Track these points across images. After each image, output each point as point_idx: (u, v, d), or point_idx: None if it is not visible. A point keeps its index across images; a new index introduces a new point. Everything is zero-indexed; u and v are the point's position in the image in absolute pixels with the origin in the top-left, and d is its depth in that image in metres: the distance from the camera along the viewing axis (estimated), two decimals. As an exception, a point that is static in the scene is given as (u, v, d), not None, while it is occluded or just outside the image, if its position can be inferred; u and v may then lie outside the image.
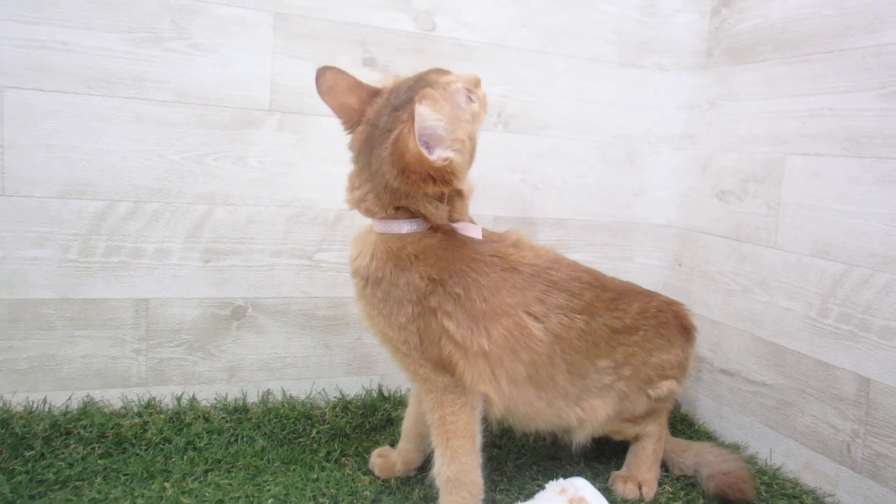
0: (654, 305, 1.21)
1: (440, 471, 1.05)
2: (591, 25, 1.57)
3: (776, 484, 1.29)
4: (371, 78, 1.42)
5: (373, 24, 1.39)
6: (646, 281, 1.47)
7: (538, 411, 1.10)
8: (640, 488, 1.22)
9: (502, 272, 1.04)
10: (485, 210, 1.54)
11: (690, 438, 1.44)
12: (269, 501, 1.11)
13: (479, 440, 1.06)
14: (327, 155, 1.40)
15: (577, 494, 1.03)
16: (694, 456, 1.29)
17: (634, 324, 1.17)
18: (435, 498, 1.10)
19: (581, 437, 1.18)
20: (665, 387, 1.21)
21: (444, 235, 1.04)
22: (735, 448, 1.41)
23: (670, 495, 1.24)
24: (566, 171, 1.61)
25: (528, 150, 1.57)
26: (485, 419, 1.09)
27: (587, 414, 1.14)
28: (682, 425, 1.54)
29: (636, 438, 1.27)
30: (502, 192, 1.56)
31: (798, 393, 1.33)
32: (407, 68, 1.43)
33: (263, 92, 1.34)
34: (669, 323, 1.22)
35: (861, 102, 1.21)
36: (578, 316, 1.09)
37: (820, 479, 1.28)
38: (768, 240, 1.40)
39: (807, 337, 1.31)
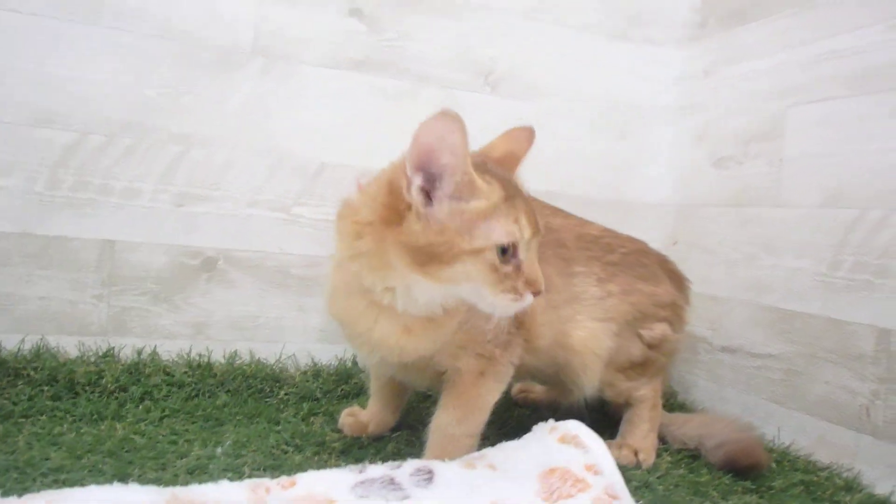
0: (626, 237, 1.25)
1: (447, 430, 1.03)
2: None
3: (787, 462, 1.23)
4: (357, 29, 1.46)
5: (363, -27, 1.43)
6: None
7: (552, 324, 1.11)
8: (636, 455, 1.18)
9: None
10: (474, 175, 1.56)
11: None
12: (227, 443, 1.07)
13: None
14: (310, 105, 1.42)
15: (570, 433, 0.99)
16: (697, 427, 1.26)
17: (603, 236, 1.21)
18: (406, 453, 1.08)
19: (588, 376, 1.15)
20: (658, 329, 1.20)
21: None
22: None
23: (670, 464, 1.19)
24: (556, 143, 1.62)
25: (518, 116, 1.58)
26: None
27: (589, 336, 1.13)
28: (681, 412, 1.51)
29: (628, 404, 1.24)
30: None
31: (809, 359, 1.30)
32: (392, 20, 1.47)
33: (247, 35, 1.37)
34: (649, 254, 1.26)
35: (868, 38, 1.23)
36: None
37: (836, 451, 1.23)
38: (772, 199, 1.40)
39: (818, 295, 1.29)
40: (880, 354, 1.17)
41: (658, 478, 1.12)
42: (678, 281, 1.29)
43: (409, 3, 1.48)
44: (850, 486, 1.15)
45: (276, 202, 1.41)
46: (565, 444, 0.98)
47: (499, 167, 0.95)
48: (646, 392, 1.23)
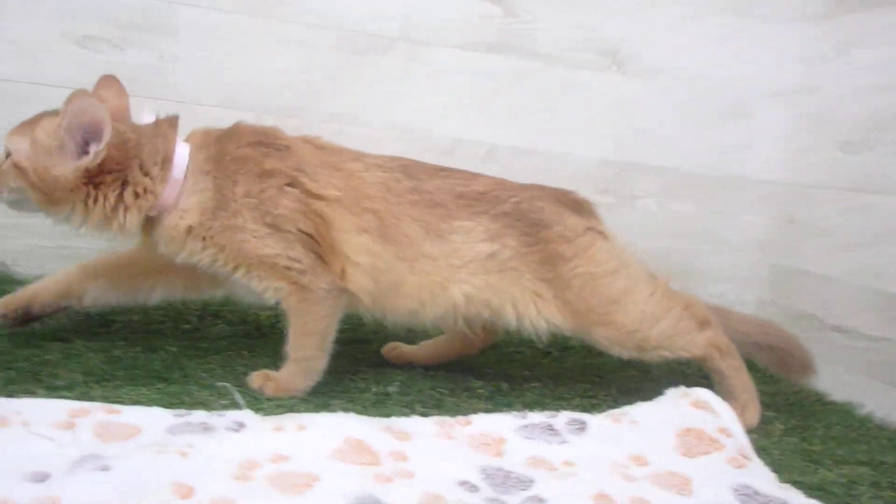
0: (517, 185, 1.31)
1: (290, 356, 1.21)
2: (705, -30, 1.71)
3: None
4: (493, 13, 1.61)
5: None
6: (752, 238, 1.72)
7: (402, 278, 1.22)
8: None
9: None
10: (592, 153, 1.73)
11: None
12: (396, 383, 1.34)
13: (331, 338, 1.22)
14: (447, 85, 1.61)
15: (701, 399, 1.16)
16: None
17: (492, 189, 1.27)
18: (540, 403, 1.30)
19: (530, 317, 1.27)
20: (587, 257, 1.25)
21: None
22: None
23: (783, 432, 1.31)
24: (675, 119, 1.76)
25: (639, 95, 1.74)
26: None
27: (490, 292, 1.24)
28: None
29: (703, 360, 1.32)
30: (610, 134, 1.74)
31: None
32: (526, 4, 1.62)
33: (394, 22, 1.55)
34: (543, 197, 1.29)
35: None
36: (399, 174, 1.25)
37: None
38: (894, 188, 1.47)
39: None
40: None
41: (773, 442, 1.24)
42: (581, 206, 1.32)
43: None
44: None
45: (415, 173, 1.64)
46: (698, 409, 1.14)
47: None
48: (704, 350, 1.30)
